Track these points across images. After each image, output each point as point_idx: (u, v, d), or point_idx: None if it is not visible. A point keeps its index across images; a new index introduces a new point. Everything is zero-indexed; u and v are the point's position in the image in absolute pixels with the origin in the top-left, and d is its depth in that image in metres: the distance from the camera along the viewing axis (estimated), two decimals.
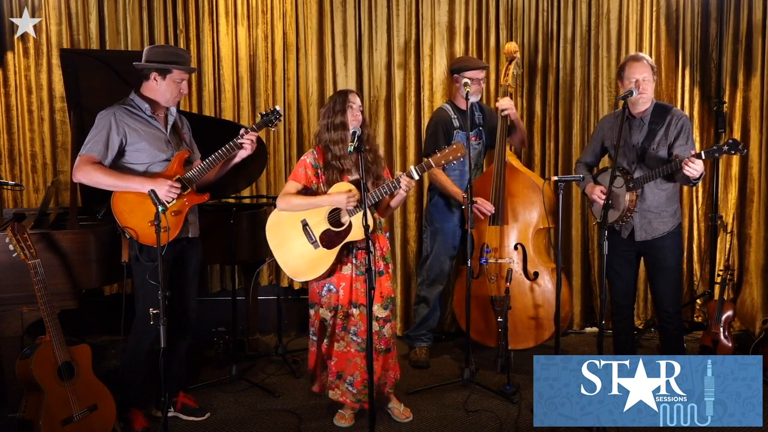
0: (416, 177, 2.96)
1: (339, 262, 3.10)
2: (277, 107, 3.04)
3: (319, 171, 3.11)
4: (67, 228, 3.23)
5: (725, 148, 2.87)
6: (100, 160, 2.93)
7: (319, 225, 3.06)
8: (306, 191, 3.12)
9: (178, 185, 2.94)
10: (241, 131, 3.02)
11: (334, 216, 3.06)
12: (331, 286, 3.12)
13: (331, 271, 3.10)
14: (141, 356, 3.09)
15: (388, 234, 3.26)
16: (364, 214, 2.79)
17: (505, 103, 3.85)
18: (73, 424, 2.86)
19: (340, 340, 3.14)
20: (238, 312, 4.00)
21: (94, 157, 2.92)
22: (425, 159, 3.00)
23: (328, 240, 3.05)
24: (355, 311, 3.10)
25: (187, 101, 4.56)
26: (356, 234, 3.01)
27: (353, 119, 3.06)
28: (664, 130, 3.20)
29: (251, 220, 3.93)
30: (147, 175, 2.97)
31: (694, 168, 2.92)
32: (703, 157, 2.91)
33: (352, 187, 3.03)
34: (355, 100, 3.11)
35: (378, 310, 3.09)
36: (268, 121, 3.03)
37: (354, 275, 3.10)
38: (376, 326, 3.05)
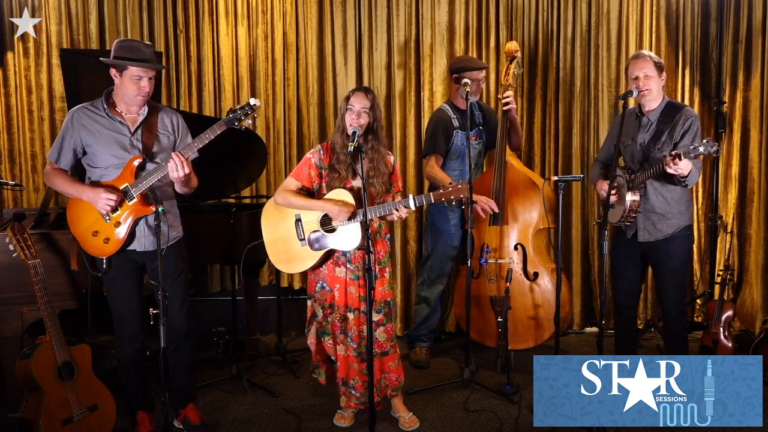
0: (413, 208, 2.91)
1: (327, 261, 3.09)
2: (252, 100, 2.76)
3: (323, 172, 3.09)
4: (67, 228, 3.22)
5: (701, 148, 2.80)
6: (56, 165, 2.90)
7: (311, 224, 3.06)
8: (305, 190, 3.12)
9: (113, 196, 2.78)
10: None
11: (326, 220, 3.05)
12: (324, 284, 3.12)
13: (317, 266, 3.09)
14: (126, 360, 3.04)
15: (388, 236, 3.25)
16: (364, 215, 2.79)
17: (509, 96, 3.86)
18: (73, 424, 2.86)
19: (341, 344, 3.13)
20: (238, 312, 4.00)
21: (51, 162, 2.91)
22: (426, 192, 2.97)
23: (315, 241, 3.05)
24: (350, 315, 3.09)
25: (187, 101, 4.56)
26: (343, 244, 3.00)
27: (350, 123, 2.99)
28: (669, 131, 3.16)
29: (251, 220, 3.92)
30: (104, 178, 2.86)
31: (678, 167, 2.87)
32: (682, 158, 2.86)
33: (350, 202, 2.97)
34: (356, 103, 2.99)
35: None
36: (233, 119, 2.75)
37: (348, 279, 3.09)
38: None
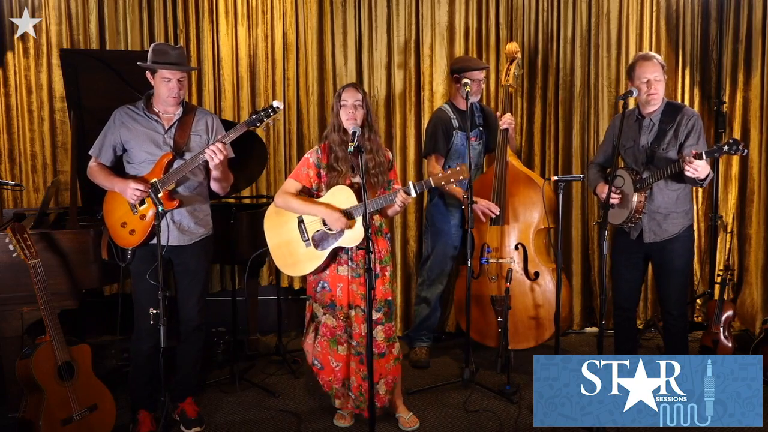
0: (413, 194, 2.89)
1: (333, 262, 3.08)
2: (275, 103, 2.86)
3: (322, 171, 3.08)
4: (67, 228, 3.23)
5: (725, 148, 2.81)
6: (97, 159, 3.05)
7: (314, 224, 3.06)
8: (306, 191, 3.11)
9: (141, 187, 2.90)
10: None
11: None
12: (325, 284, 3.10)
13: (322, 269, 3.08)
14: (140, 355, 3.08)
15: (389, 235, 3.24)
16: (364, 217, 2.78)
17: (508, 120, 3.87)
18: (73, 424, 2.86)
19: (344, 343, 3.11)
20: (238, 312, 4.00)
21: (93, 156, 3.07)
22: (426, 178, 2.93)
23: (319, 240, 3.05)
24: (351, 313, 3.09)
25: (188, 101, 4.55)
26: (347, 240, 2.99)
27: (347, 118, 2.99)
28: (673, 131, 3.15)
29: (251, 220, 3.92)
30: (139, 174, 2.99)
31: (695, 168, 2.87)
32: (704, 158, 2.86)
33: (345, 208, 2.97)
34: (348, 98, 3.00)
35: None
36: (256, 120, 2.85)
37: (350, 276, 3.08)
38: None
